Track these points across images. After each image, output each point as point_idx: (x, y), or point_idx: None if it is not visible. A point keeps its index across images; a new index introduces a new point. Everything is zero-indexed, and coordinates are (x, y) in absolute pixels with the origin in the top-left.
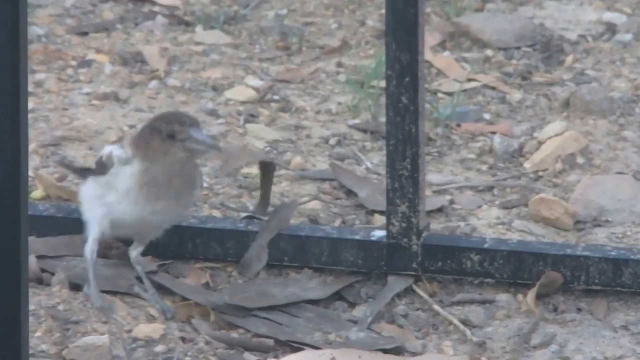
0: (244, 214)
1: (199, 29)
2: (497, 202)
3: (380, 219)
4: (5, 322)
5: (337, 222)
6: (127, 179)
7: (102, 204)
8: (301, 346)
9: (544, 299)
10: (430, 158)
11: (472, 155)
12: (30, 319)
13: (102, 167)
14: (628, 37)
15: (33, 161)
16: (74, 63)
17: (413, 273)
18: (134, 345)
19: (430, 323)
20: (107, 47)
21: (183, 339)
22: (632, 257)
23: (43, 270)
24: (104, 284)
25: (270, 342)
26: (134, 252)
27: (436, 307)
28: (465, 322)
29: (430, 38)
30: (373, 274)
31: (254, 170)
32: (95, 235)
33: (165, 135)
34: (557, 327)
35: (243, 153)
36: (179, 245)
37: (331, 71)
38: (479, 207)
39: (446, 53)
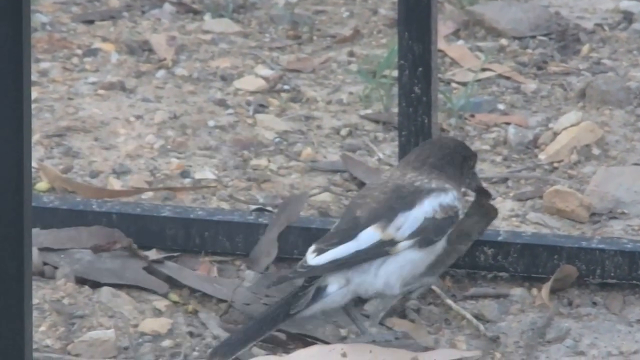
0: (253, 207)
1: (207, 17)
2: (511, 194)
3: None
4: (8, 316)
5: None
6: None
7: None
8: (312, 340)
9: (558, 293)
10: None
11: (486, 147)
12: (35, 313)
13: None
14: None
15: (37, 152)
16: (79, 52)
17: None
18: (140, 341)
19: (443, 318)
20: (113, 35)
21: (191, 334)
22: None
23: (44, 264)
24: (110, 278)
25: (282, 336)
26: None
27: (449, 301)
28: (478, 317)
29: (443, 27)
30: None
31: (263, 162)
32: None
33: (470, 165)
34: (571, 321)
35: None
36: (186, 238)
37: (342, 61)
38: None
39: (460, 42)
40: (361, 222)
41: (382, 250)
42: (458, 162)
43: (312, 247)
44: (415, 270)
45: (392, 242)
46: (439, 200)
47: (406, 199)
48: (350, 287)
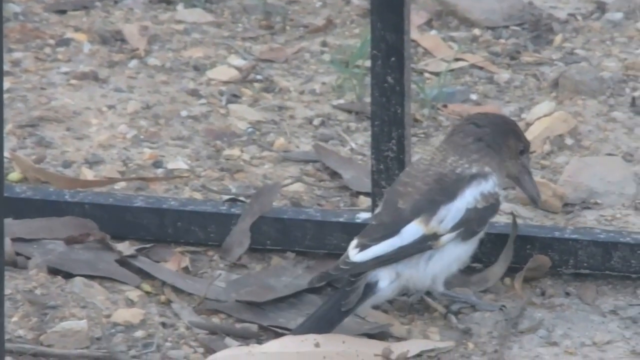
0: (225, 197)
1: (180, 7)
2: None
3: (365, 201)
4: None
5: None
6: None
7: None
8: (284, 332)
9: (531, 283)
10: (416, 139)
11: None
12: (7, 303)
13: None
14: (618, 16)
15: (10, 142)
16: (52, 42)
17: None
18: (113, 331)
19: (416, 309)
20: (86, 25)
21: (163, 324)
22: (621, 240)
23: (17, 254)
24: (83, 269)
25: (254, 327)
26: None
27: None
28: (449, 308)
29: (416, 17)
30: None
31: (236, 152)
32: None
33: (519, 150)
34: (545, 311)
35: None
36: (159, 228)
37: (315, 51)
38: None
39: (433, 32)
40: (404, 215)
41: (425, 245)
42: (501, 140)
43: (355, 242)
44: (461, 265)
45: (435, 236)
46: (480, 188)
47: (448, 189)
48: (401, 281)
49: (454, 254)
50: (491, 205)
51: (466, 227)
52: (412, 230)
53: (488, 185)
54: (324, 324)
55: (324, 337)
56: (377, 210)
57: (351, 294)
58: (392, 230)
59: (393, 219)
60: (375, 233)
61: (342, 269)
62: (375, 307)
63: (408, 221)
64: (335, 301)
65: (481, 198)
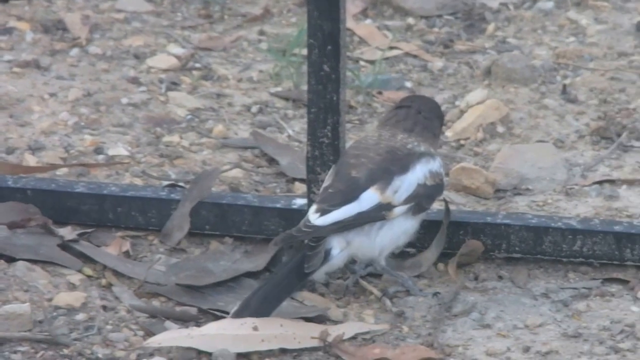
0: (165, 182)
1: None
2: None
3: (301, 187)
4: None
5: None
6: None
7: None
8: (223, 315)
9: (465, 268)
10: (351, 126)
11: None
12: None
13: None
14: (549, 5)
15: None
16: None
17: None
18: (55, 314)
19: (352, 292)
20: (28, 14)
21: (104, 308)
22: (552, 225)
23: None
24: (25, 253)
25: (193, 310)
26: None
27: (357, 275)
28: (383, 290)
29: (352, 6)
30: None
31: (176, 138)
32: None
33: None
34: (477, 295)
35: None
36: (100, 213)
37: (253, 39)
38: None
39: (368, 21)
40: (360, 183)
41: (379, 214)
42: (438, 124)
43: (314, 207)
44: (407, 239)
45: (389, 206)
46: (429, 166)
47: (401, 161)
48: (351, 249)
49: (402, 227)
50: (437, 185)
51: (417, 201)
52: (370, 198)
53: (435, 165)
54: (283, 287)
55: (262, 320)
56: (327, 182)
57: (314, 257)
58: (351, 196)
59: (349, 187)
60: (334, 199)
61: (304, 231)
62: (312, 290)
63: (365, 189)
64: (295, 265)
65: (430, 176)
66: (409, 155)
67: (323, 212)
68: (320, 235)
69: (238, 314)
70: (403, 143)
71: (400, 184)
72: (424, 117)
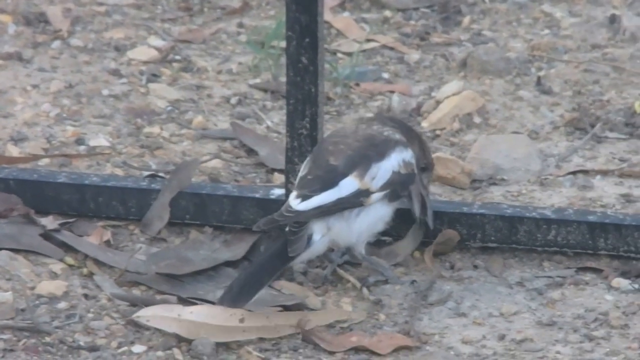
0: (146, 173)
1: None
2: None
3: (280, 178)
4: None
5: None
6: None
7: None
8: (203, 303)
9: (441, 257)
10: (329, 117)
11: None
12: None
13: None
14: None
15: None
16: None
17: None
18: (37, 302)
19: (330, 280)
20: (10, 7)
21: (86, 296)
22: (527, 214)
23: None
24: (8, 243)
25: (173, 299)
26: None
27: (334, 264)
28: (363, 280)
29: None
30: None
31: (156, 129)
32: None
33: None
34: (453, 284)
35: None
36: (81, 203)
37: (232, 32)
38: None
39: (345, 14)
40: (339, 169)
41: (358, 200)
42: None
43: (295, 193)
44: (384, 226)
45: (367, 193)
46: (402, 155)
47: (378, 147)
48: (331, 235)
49: (379, 214)
50: (409, 174)
51: (392, 188)
52: (349, 184)
53: (408, 154)
54: (266, 271)
55: (249, 313)
56: (303, 171)
57: (297, 241)
58: (330, 182)
59: (328, 173)
60: (313, 185)
61: (287, 216)
62: (290, 280)
63: (344, 175)
64: (278, 250)
65: (403, 164)
66: (386, 142)
67: (304, 197)
68: (302, 220)
69: (221, 300)
70: (380, 131)
71: (377, 171)
72: (393, 124)
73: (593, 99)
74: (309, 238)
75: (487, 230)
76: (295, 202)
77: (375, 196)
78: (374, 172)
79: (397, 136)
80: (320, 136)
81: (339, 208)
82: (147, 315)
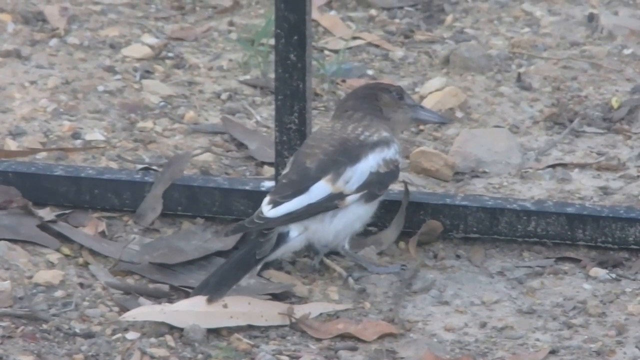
0: (139, 166)
1: None
2: None
3: (269, 170)
4: None
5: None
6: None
7: None
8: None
9: (424, 247)
10: (316, 112)
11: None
12: None
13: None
14: None
15: None
16: None
17: None
18: (34, 291)
19: (317, 269)
20: (9, 6)
21: (81, 285)
22: (507, 206)
23: None
24: (6, 233)
25: (165, 287)
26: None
27: (321, 255)
28: (348, 269)
29: None
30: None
31: (149, 124)
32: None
33: (396, 99)
34: (436, 273)
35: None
36: (77, 195)
37: (223, 30)
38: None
39: (332, 12)
40: (311, 174)
41: (332, 203)
42: (384, 101)
43: (267, 199)
44: (362, 225)
45: (341, 196)
46: (382, 155)
47: (352, 152)
48: (308, 234)
49: (356, 214)
50: (391, 171)
51: (369, 189)
52: (320, 189)
53: (390, 152)
54: (237, 270)
55: (232, 298)
56: (286, 167)
57: (265, 244)
58: (302, 187)
59: (301, 178)
60: (285, 191)
61: (256, 223)
62: (279, 269)
63: (316, 179)
64: (249, 250)
65: (383, 163)
66: (361, 147)
67: (275, 204)
68: (271, 227)
69: (197, 291)
70: (356, 134)
71: (352, 174)
72: (364, 106)
73: (571, 95)
74: (286, 235)
75: (469, 221)
76: (266, 209)
77: (350, 198)
78: (348, 176)
79: (375, 137)
80: (308, 131)
81: (311, 213)
82: (132, 315)
